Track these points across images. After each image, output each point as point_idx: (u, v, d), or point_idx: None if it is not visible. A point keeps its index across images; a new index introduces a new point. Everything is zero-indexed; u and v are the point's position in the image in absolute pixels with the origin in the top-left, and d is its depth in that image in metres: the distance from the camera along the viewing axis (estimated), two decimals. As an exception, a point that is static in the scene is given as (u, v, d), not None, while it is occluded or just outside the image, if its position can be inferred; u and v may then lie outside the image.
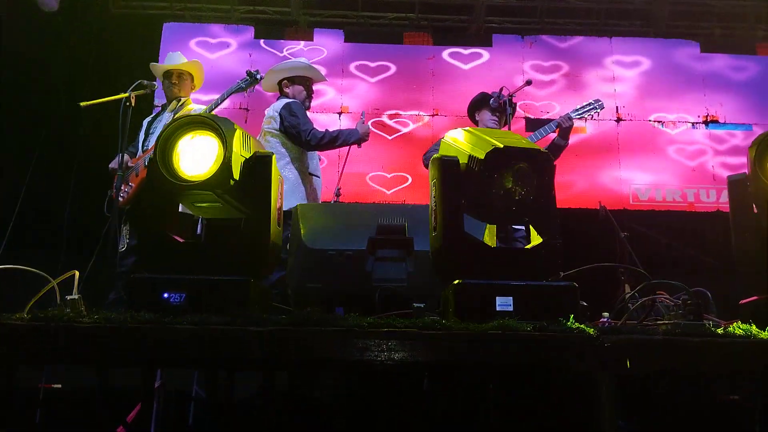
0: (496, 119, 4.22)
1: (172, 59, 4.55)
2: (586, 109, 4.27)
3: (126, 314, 1.77)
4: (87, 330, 1.67)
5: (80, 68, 6.54)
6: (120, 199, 4.18)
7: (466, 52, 7.47)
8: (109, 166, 4.27)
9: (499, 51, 7.50)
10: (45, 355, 1.83)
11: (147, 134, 4.35)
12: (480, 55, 7.46)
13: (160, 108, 4.62)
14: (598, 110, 4.31)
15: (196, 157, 2.17)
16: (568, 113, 4.20)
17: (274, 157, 2.27)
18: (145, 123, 4.46)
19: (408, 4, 7.51)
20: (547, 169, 2.26)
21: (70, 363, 2.82)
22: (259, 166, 2.23)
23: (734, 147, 7.22)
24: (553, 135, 4.21)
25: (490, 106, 4.25)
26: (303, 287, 2.66)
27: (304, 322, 1.72)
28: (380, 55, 7.44)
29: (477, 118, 4.46)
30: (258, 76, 4.20)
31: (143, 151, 4.23)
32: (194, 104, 4.51)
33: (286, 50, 7.35)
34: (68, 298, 2.17)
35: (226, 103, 6.44)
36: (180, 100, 4.44)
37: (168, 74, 4.47)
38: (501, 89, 4.17)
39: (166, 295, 1.95)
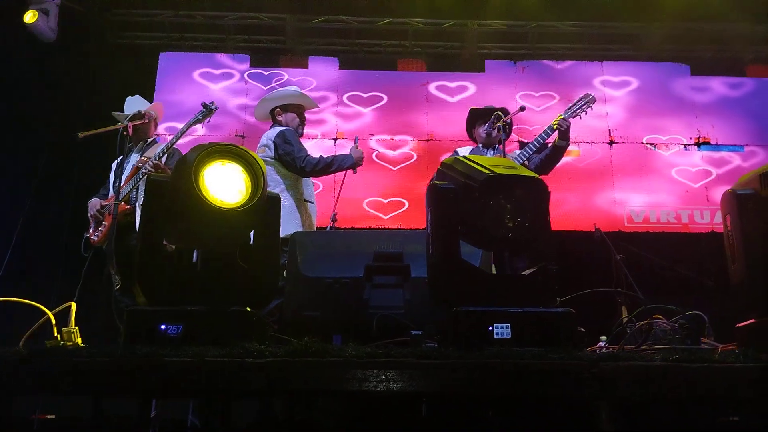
0: (492, 135, 4.25)
1: (135, 104, 4.58)
2: (579, 106, 4.23)
3: (123, 348, 1.77)
4: (85, 365, 1.66)
5: (77, 98, 6.58)
6: (94, 238, 4.23)
7: (452, 84, 7.53)
8: (89, 214, 4.33)
9: (492, 76, 7.57)
10: (42, 389, 1.82)
11: (117, 176, 4.37)
12: (466, 88, 7.53)
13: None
14: (591, 105, 4.25)
15: (226, 186, 2.21)
16: (562, 115, 4.17)
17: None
18: (114, 165, 4.48)
19: (402, 32, 7.61)
20: (542, 196, 2.28)
21: (68, 395, 2.80)
22: (269, 203, 2.27)
23: (727, 168, 7.27)
24: (551, 140, 4.23)
25: (484, 123, 4.30)
26: (300, 315, 2.66)
27: (302, 353, 1.72)
28: (374, 83, 7.51)
29: (473, 135, 4.51)
30: (213, 107, 4.28)
31: (114, 191, 4.24)
32: (158, 141, 4.58)
33: (275, 81, 7.40)
34: (65, 330, 2.17)
35: (200, 131, 6.51)
36: (147, 141, 4.50)
37: (134, 119, 4.48)
38: (494, 116, 4.20)
39: (163, 326, 1.95)
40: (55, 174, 6.13)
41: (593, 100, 4.25)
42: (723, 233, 2.37)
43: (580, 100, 4.26)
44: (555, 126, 4.12)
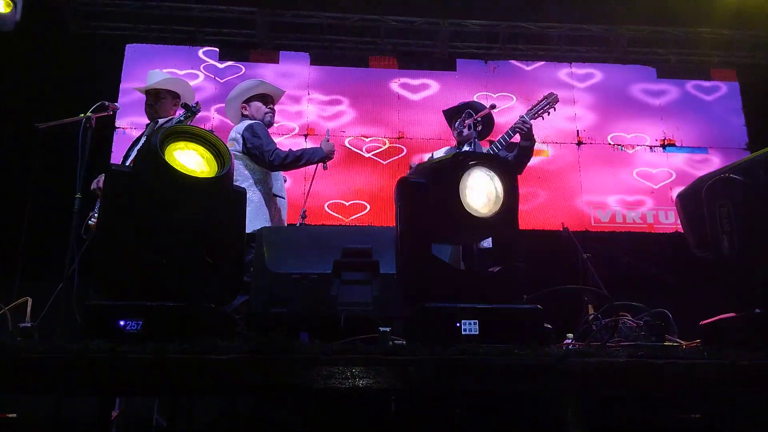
0: (463, 133, 4.24)
1: (151, 78, 4.35)
2: (541, 106, 4.16)
3: (79, 344, 1.70)
4: (39, 360, 1.60)
5: (38, 90, 6.40)
6: (91, 222, 4.06)
7: (415, 82, 7.53)
8: (91, 187, 4.12)
9: (463, 75, 7.61)
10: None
11: (126, 157, 4.23)
12: (428, 86, 7.55)
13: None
14: (553, 106, 4.17)
15: (192, 163, 2.19)
16: (522, 116, 4.09)
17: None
18: (129, 146, 4.35)
19: (373, 28, 7.58)
20: (511, 173, 2.30)
21: (23, 394, 2.71)
22: (237, 197, 2.23)
23: (692, 169, 7.42)
24: (516, 141, 4.20)
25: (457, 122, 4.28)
26: (267, 312, 2.61)
27: (267, 350, 1.68)
28: (345, 80, 7.47)
29: (454, 134, 4.47)
30: (196, 109, 4.03)
31: None
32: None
33: (231, 75, 7.30)
34: (21, 325, 2.10)
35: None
36: (158, 122, 4.24)
37: (147, 95, 4.33)
38: (465, 113, 4.19)
39: (122, 322, 1.89)
40: (13, 167, 5.96)
41: (556, 100, 4.21)
42: (707, 225, 2.31)
43: (542, 100, 4.22)
44: (516, 128, 4.10)
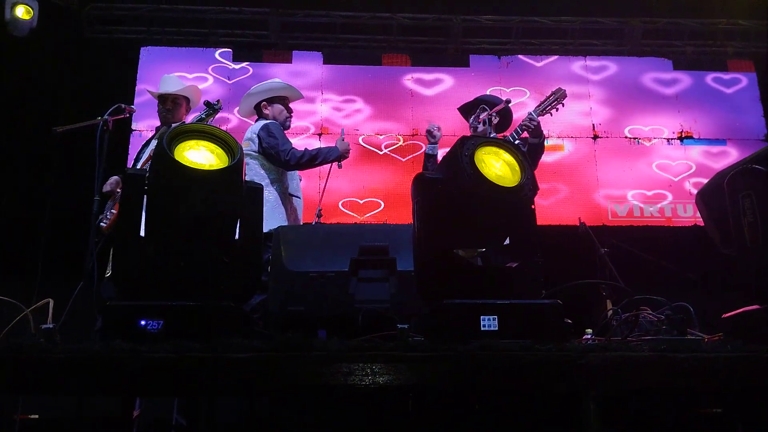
0: (478, 129, 4.21)
1: (168, 84, 4.40)
2: (549, 102, 4.13)
3: (100, 344, 1.71)
4: (61, 361, 1.61)
5: (55, 94, 6.46)
6: (102, 225, 4.10)
7: (428, 77, 7.51)
8: (104, 189, 4.16)
9: (477, 71, 7.57)
10: (18, 387, 1.77)
11: (137, 159, 4.27)
12: (441, 81, 7.53)
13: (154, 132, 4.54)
14: (561, 101, 4.14)
15: (202, 159, 2.19)
16: (530, 113, 4.07)
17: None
18: (139, 149, 4.40)
19: (386, 26, 7.57)
20: (516, 148, 2.30)
21: (44, 394, 2.74)
22: (251, 195, 2.23)
23: (710, 162, 7.33)
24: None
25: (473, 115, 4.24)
26: (284, 311, 2.62)
27: (285, 348, 1.68)
28: (358, 78, 7.47)
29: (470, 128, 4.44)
30: (217, 106, 4.06)
31: None
32: None
33: (242, 76, 7.32)
34: (43, 327, 2.11)
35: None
36: (171, 126, 4.32)
37: (163, 99, 4.37)
38: (479, 108, 4.16)
39: (143, 322, 1.90)
40: (32, 170, 6.03)
41: (564, 96, 4.16)
42: (730, 218, 2.27)
43: (550, 95, 4.18)
44: (523, 126, 4.06)
